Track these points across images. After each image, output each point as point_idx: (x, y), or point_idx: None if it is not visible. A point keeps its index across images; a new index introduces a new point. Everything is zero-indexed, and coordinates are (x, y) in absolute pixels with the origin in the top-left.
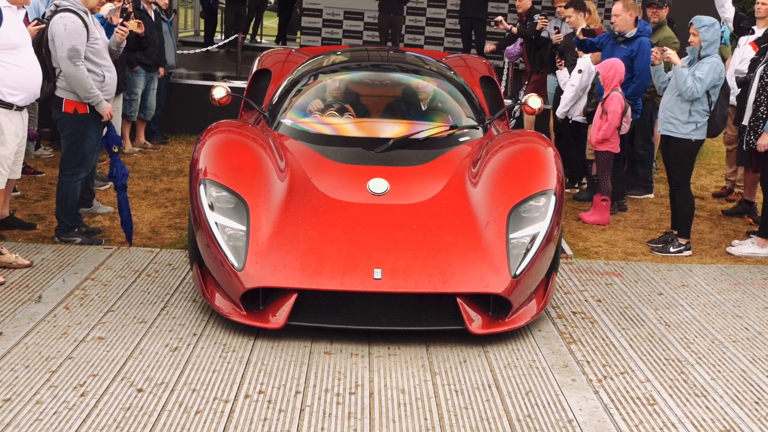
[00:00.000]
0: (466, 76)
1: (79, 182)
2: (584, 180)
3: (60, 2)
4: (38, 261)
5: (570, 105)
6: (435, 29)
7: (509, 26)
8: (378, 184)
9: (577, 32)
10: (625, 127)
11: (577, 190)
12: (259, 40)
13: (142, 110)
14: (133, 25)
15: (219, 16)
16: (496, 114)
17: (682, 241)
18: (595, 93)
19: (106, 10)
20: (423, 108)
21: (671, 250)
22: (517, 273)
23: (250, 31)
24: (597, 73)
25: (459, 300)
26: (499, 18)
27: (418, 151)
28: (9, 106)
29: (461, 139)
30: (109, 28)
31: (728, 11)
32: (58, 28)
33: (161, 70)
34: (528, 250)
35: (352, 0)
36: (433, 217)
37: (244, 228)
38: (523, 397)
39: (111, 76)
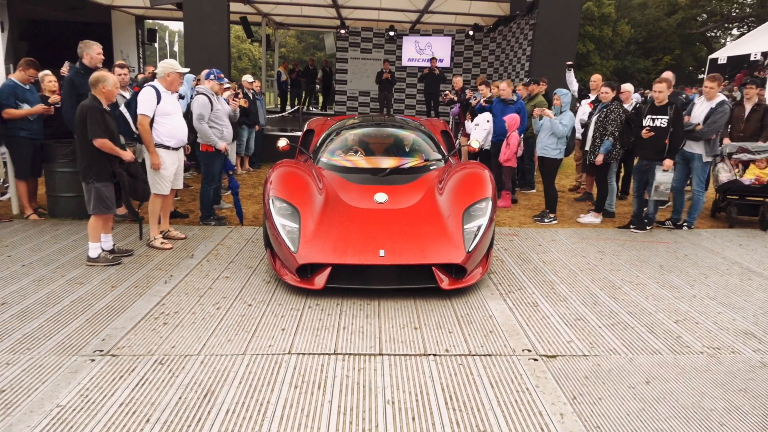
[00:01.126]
0: (432, 129)
1: (211, 190)
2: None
3: (198, 89)
4: (190, 235)
5: (485, 140)
6: (410, 100)
7: (452, 97)
8: (381, 196)
9: (482, 101)
10: (520, 151)
11: None
12: (311, 109)
13: (246, 150)
14: (241, 101)
15: (288, 95)
16: (451, 152)
17: (552, 215)
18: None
19: (227, 94)
20: (407, 149)
21: (545, 220)
22: (470, 249)
23: (306, 103)
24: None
25: (434, 268)
26: (446, 93)
27: (404, 175)
28: (167, 147)
29: (431, 168)
30: (227, 102)
31: (574, 84)
32: (195, 104)
33: (257, 127)
34: (476, 236)
35: (363, 84)
36: (416, 216)
37: (297, 226)
38: (463, 304)
39: (227, 131)
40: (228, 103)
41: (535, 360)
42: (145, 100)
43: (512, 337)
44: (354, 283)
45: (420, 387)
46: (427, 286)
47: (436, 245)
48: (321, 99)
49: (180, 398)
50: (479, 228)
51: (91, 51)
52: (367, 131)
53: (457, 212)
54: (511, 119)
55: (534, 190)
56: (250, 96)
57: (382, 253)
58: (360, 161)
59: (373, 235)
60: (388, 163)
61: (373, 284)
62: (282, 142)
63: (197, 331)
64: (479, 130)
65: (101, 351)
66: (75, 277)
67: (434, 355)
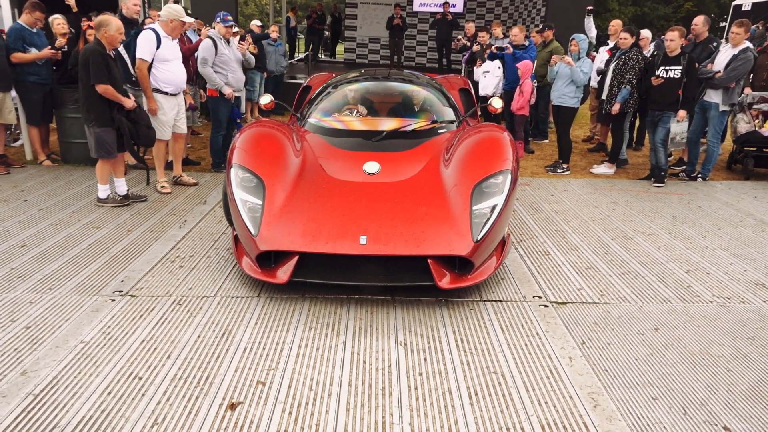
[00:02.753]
0: (448, 87)
1: (220, 137)
2: None
3: (209, 33)
4: (202, 182)
5: (495, 89)
6: (421, 47)
7: (465, 42)
8: (371, 166)
9: (494, 47)
10: (533, 99)
11: None
12: (320, 56)
13: (257, 96)
14: (250, 47)
15: (296, 42)
16: (467, 112)
17: (565, 165)
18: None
19: (235, 40)
20: (413, 109)
21: (558, 171)
22: (479, 238)
23: (317, 51)
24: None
25: (430, 261)
26: (458, 38)
27: (405, 140)
28: (165, 93)
29: (440, 131)
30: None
31: (593, 31)
32: (200, 47)
33: (266, 74)
34: (488, 219)
35: (373, 30)
36: (412, 192)
37: (260, 202)
38: None
39: (233, 76)
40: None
41: (546, 306)
42: (145, 44)
43: (523, 284)
44: (327, 277)
45: (432, 330)
46: (421, 284)
47: (434, 231)
48: (330, 46)
49: (198, 337)
50: (493, 209)
51: (128, 2)
52: (367, 87)
53: (464, 188)
54: (525, 66)
55: (547, 140)
56: (262, 46)
57: (363, 240)
58: (354, 122)
59: (354, 216)
60: (387, 124)
61: (351, 280)
62: (265, 99)
63: (213, 274)
64: (489, 77)
65: (120, 291)
66: (91, 221)
67: (446, 300)
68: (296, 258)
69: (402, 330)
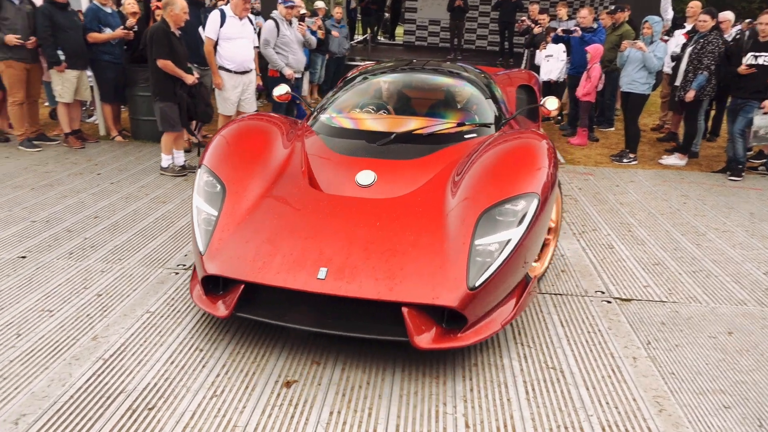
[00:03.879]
0: (505, 83)
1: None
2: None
3: (272, 14)
4: None
5: (559, 74)
6: (482, 30)
7: (530, 24)
8: (365, 176)
9: (560, 30)
10: (600, 85)
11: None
12: (379, 38)
13: (318, 78)
14: (319, 32)
15: (357, 24)
16: (515, 113)
17: (632, 155)
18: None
19: (295, 22)
20: (444, 107)
21: (624, 160)
22: (476, 285)
23: (376, 33)
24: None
25: (404, 311)
26: (522, 20)
27: (418, 146)
28: (228, 71)
29: (466, 136)
30: (312, 33)
31: (669, 12)
32: (262, 28)
33: (327, 55)
34: (494, 260)
35: (434, 12)
36: (402, 214)
37: (215, 213)
38: None
39: (294, 58)
40: (312, 33)
41: (609, 302)
42: (210, 24)
43: (585, 278)
44: (277, 316)
45: None
46: (394, 339)
47: (417, 269)
48: (389, 28)
49: None
50: (505, 246)
51: None
52: (395, 80)
53: (469, 213)
54: (595, 50)
55: (613, 128)
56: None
57: (322, 273)
58: (366, 121)
59: (320, 241)
60: (405, 125)
61: (305, 323)
62: (280, 90)
63: None
64: (553, 62)
65: (184, 266)
66: (158, 196)
67: None
68: (241, 288)
69: None
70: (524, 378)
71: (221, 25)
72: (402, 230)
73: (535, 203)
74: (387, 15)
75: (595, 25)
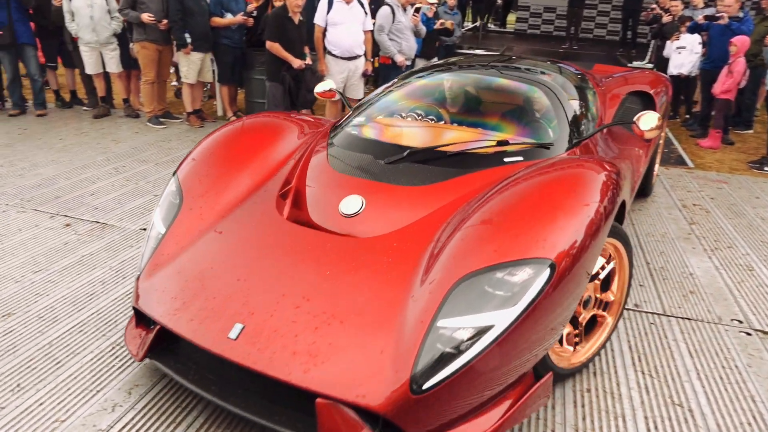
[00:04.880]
0: (612, 87)
1: None
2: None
3: (387, 1)
4: None
5: (691, 68)
6: (602, 18)
7: (660, 12)
8: (351, 204)
9: (701, 17)
10: (743, 83)
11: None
12: (489, 26)
13: None
14: (447, 23)
15: (467, 10)
16: (593, 131)
17: None
18: None
19: (410, 9)
20: (497, 117)
21: (766, 168)
22: (424, 387)
23: (486, 20)
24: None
25: (319, 404)
26: (652, 7)
27: (436, 168)
28: (334, 56)
29: (507, 159)
30: (427, 20)
31: None
32: (378, 14)
33: (437, 42)
34: (461, 352)
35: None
36: (369, 261)
37: (162, 231)
38: (658, 256)
39: (407, 44)
40: (428, 19)
41: (748, 334)
42: (318, 10)
43: (718, 303)
44: (185, 375)
45: None
46: None
47: (348, 349)
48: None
49: None
50: (481, 334)
51: None
52: (448, 81)
53: (446, 277)
54: (741, 42)
55: (751, 131)
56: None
57: (234, 331)
58: (390, 130)
59: (250, 287)
60: (437, 137)
61: (211, 391)
62: (324, 86)
63: None
64: (686, 54)
65: None
66: None
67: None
68: (156, 330)
69: None
70: (645, 413)
71: (328, 11)
72: (354, 287)
73: (544, 276)
74: (499, 1)
75: (741, 14)
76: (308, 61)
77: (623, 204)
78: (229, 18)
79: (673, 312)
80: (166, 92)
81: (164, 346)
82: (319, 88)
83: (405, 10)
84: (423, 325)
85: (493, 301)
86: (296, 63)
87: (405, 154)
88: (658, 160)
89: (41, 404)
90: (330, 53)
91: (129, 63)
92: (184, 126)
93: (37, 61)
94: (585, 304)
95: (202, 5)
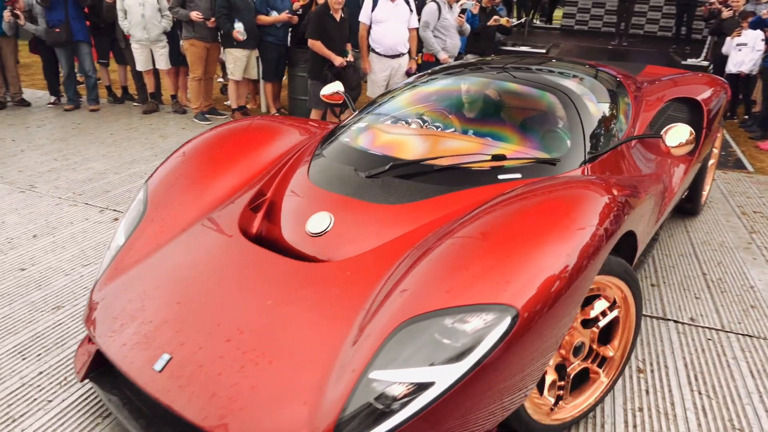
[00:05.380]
0: (653, 92)
1: None
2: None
3: None
4: None
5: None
6: (654, 13)
7: (719, 7)
8: (319, 222)
9: (764, 12)
10: None
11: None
12: (535, 21)
13: None
14: (503, 20)
15: (513, 6)
16: (612, 145)
17: None
18: None
19: (456, 6)
20: (505, 127)
21: None
22: None
23: (532, 15)
24: None
25: None
26: (712, 1)
27: (419, 184)
28: (377, 53)
29: (501, 176)
30: (472, 17)
31: None
32: (424, 10)
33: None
34: (391, 411)
35: None
36: (319, 290)
37: (121, 243)
38: (715, 267)
39: (451, 42)
40: (473, 16)
41: None
42: (363, 7)
43: None
44: (116, 402)
45: (656, 355)
46: None
47: (270, 397)
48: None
49: None
50: (420, 391)
51: None
52: (466, 86)
53: (392, 318)
54: None
55: None
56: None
57: (161, 362)
58: (388, 139)
59: (187, 314)
60: (439, 147)
61: (135, 423)
62: (330, 89)
63: None
64: (746, 51)
65: None
66: None
67: (675, 321)
68: (95, 350)
69: None
70: None
71: (373, 9)
72: (292, 321)
73: (503, 326)
74: None
75: None
76: (350, 58)
77: (633, 237)
78: (274, 16)
79: (733, 328)
80: (213, 89)
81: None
82: (325, 91)
83: (451, 7)
84: (354, 375)
85: (437, 353)
86: (337, 61)
87: (387, 167)
88: (711, 174)
89: (86, 399)
90: (373, 51)
91: (177, 60)
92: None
93: (91, 58)
94: (576, 351)
95: (249, 2)
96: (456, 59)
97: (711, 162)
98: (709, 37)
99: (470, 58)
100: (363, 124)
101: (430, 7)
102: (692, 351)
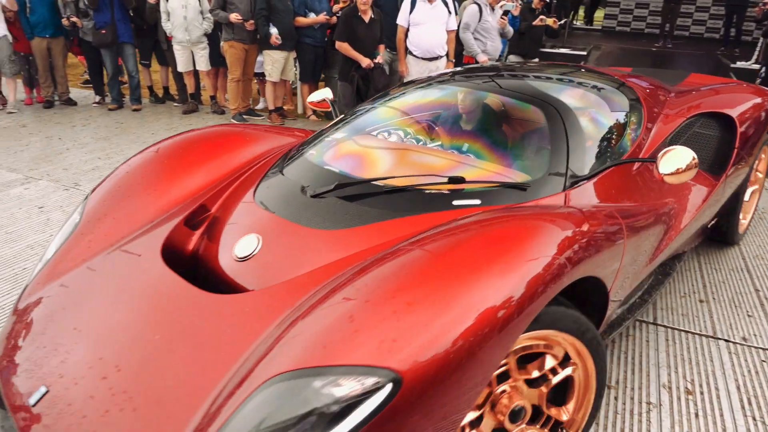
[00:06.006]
0: (685, 103)
1: None
2: None
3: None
4: None
5: None
6: (700, 14)
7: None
8: (246, 246)
9: None
10: None
11: None
12: (575, 23)
13: None
14: (549, 21)
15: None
16: (594, 170)
17: None
18: None
19: (498, 9)
20: (485, 143)
21: None
22: None
23: (572, 16)
24: None
25: None
26: (765, 1)
27: (364, 206)
28: (415, 56)
29: (457, 203)
30: (513, 19)
31: None
32: (465, 12)
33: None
34: None
35: None
36: (201, 332)
37: (49, 256)
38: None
39: (492, 45)
40: (514, 18)
41: None
42: (401, 10)
43: None
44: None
45: (706, 377)
46: None
47: None
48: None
49: None
50: None
51: None
52: (445, 96)
53: (264, 369)
54: None
55: None
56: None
57: (36, 396)
58: (349, 153)
59: (74, 344)
60: (399, 165)
61: None
62: (318, 96)
63: None
64: None
65: None
66: None
67: (726, 340)
68: None
69: (666, 367)
70: None
71: (411, 11)
72: (170, 364)
73: (382, 394)
74: None
75: None
76: (378, 60)
77: (601, 285)
78: (312, 17)
79: None
80: (251, 90)
81: None
82: (312, 98)
83: (493, 9)
84: None
85: (302, 421)
86: (365, 62)
87: (332, 186)
88: (754, 202)
89: None
90: (411, 53)
91: (216, 61)
92: (266, 123)
93: (134, 59)
94: (514, 416)
95: (288, 4)
96: (497, 61)
97: (753, 188)
98: (761, 39)
99: (512, 59)
100: (329, 137)
101: (471, 9)
102: (745, 373)
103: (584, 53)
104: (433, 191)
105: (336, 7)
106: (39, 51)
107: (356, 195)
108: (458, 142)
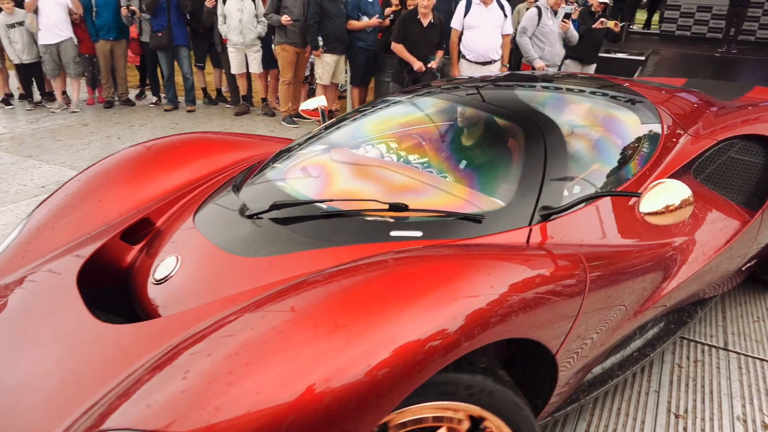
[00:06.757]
0: (722, 122)
1: None
2: None
3: (538, 2)
4: None
5: None
6: (767, 18)
7: None
8: (165, 267)
9: None
10: None
11: None
12: (632, 27)
13: None
14: (610, 23)
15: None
16: (581, 197)
17: None
18: None
19: (561, 13)
20: (461, 163)
21: None
22: None
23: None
24: None
25: None
26: None
27: (293, 233)
28: (468, 60)
29: (395, 234)
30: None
31: None
32: (524, 16)
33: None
34: None
35: None
36: (79, 365)
37: (2, 250)
38: None
39: (550, 50)
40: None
41: None
42: (456, 13)
43: None
44: None
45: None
46: None
47: None
48: (646, 16)
49: None
50: None
51: None
52: (419, 110)
53: (98, 419)
54: None
55: None
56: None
57: None
58: (303, 169)
59: None
60: (354, 183)
61: None
62: (310, 104)
63: None
64: None
65: None
66: None
67: None
68: None
69: (739, 397)
70: None
71: (465, 14)
72: (30, 403)
73: None
74: (644, 0)
75: None
76: (431, 65)
77: (547, 352)
78: (365, 21)
79: None
80: (301, 93)
81: None
82: (306, 105)
83: (555, 13)
84: None
85: None
86: (416, 65)
87: (268, 207)
88: None
89: None
90: (464, 57)
91: (268, 64)
92: (315, 126)
93: (189, 61)
94: None
95: (341, 8)
96: (559, 68)
97: None
98: None
99: (569, 64)
100: (293, 151)
101: (530, 12)
102: None
103: (642, 58)
104: (375, 218)
105: (387, 11)
106: (102, 53)
107: (290, 218)
108: (423, 158)
